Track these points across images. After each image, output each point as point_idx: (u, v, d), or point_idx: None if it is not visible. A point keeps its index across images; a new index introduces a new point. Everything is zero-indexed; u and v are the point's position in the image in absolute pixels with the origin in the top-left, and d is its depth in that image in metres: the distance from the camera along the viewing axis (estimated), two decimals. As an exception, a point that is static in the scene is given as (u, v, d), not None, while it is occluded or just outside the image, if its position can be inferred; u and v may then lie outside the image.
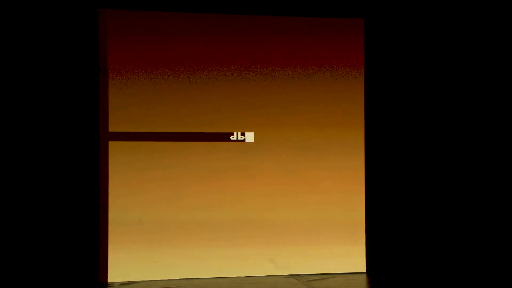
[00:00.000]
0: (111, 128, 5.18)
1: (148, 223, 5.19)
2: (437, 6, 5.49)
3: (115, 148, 5.18)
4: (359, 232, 5.49)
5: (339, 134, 5.51)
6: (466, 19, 5.49)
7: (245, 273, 5.28)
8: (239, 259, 5.29)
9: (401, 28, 5.50)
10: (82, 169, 5.03)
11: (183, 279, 5.16)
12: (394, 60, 5.49)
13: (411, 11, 5.50)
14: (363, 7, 5.52)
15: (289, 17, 5.46)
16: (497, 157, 5.45)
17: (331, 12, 5.49)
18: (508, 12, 5.45)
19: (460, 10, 5.49)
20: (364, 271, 5.46)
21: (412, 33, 5.49)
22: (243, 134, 5.40)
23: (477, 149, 5.47)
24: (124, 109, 5.20)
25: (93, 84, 5.10)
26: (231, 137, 5.39)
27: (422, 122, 5.48)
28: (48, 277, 4.89)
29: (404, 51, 5.49)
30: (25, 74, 4.94)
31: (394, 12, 5.51)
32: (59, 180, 4.96)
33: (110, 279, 5.08)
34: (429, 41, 5.49)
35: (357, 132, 5.53)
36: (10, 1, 4.91)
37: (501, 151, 5.45)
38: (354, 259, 5.46)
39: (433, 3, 5.49)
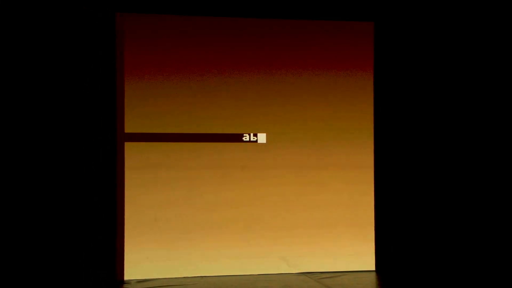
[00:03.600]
0: (127, 129, 5.28)
1: (163, 222, 5.29)
2: (447, 9, 5.59)
3: (131, 149, 5.29)
4: (368, 231, 5.60)
5: (349, 136, 5.61)
6: (476, 23, 5.57)
7: (258, 271, 5.39)
8: (251, 258, 5.40)
9: (411, 31, 5.59)
10: (99, 169, 5.12)
11: (197, 277, 5.27)
12: (403, 63, 5.59)
13: (421, 15, 5.59)
14: (373, 11, 5.62)
15: (301, 20, 5.56)
16: (507, 155, 5.55)
17: (341, 16, 5.59)
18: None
19: (470, 14, 5.58)
20: (374, 269, 5.58)
21: (422, 36, 5.58)
22: (255, 135, 5.51)
23: (484, 149, 5.57)
24: (140, 110, 5.30)
25: (110, 86, 5.19)
26: (243, 138, 5.50)
27: (431, 123, 5.57)
28: (67, 275, 4.99)
29: (413, 54, 5.58)
30: (43, 76, 5.03)
31: (403, 16, 5.60)
32: (77, 180, 5.06)
33: (126, 277, 5.19)
34: (438, 45, 5.58)
35: (366, 133, 5.64)
36: (30, 4, 5.00)
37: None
38: (363, 258, 5.58)
39: (443, 7, 5.59)
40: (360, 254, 5.57)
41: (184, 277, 5.25)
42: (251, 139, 5.50)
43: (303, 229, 5.50)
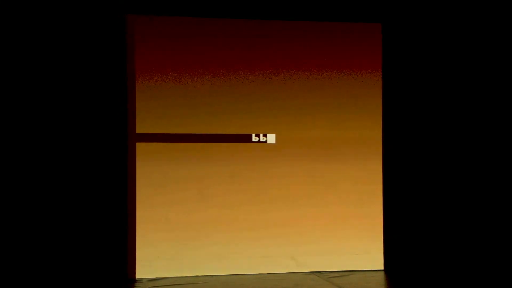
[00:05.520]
0: (139, 130, 5.34)
1: (174, 221, 5.35)
2: (456, 10, 5.62)
3: (142, 149, 5.35)
4: (377, 231, 5.64)
5: (357, 136, 5.66)
6: (487, 23, 5.61)
7: (268, 270, 5.44)
8: (261, 257, 5.45)
9: (419, 33, 5.63)
10: (111, 169, 5.18)
11: (208, 275, 5.31)
12: (411, 65, 5.63)
13: (428, 16, 5.63)
14: (380, 12, 5.66)
15: (310, 21, 5.61)
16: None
17: (349, 17, 5.63)
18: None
19: (479, 14, 5.61)
20: (382, 268, 5.62)
21: (430, 38, 5.62)
22: (265, 135, 5.56)
23: (496, 151, 5.61)
24: (150, 111, 5.36)
25: (121, 87, 5.25)
26: (253, 139, 5.55)
27: (439, 124, 5.61)
28: (79, 274, 5.05)
29: (421, 55, 5.62)
30: (54, 78, 5.09)
31: (411, 17, 5.64)
32: (89, 180, 5.12)
33: (138, 276, 5.24)
34: (446, 46, 5.62)
35: (374, 134, 5.68)
36: (42, 7, 5.07)
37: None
38: (372, 257, 5.62)
39: (451, 8, 5.62)
40: (368, 254, 5.61)
41: (195, 276, 5.29)
42: (261, 140, 5.55)
43: (312, 228, 5.54)
